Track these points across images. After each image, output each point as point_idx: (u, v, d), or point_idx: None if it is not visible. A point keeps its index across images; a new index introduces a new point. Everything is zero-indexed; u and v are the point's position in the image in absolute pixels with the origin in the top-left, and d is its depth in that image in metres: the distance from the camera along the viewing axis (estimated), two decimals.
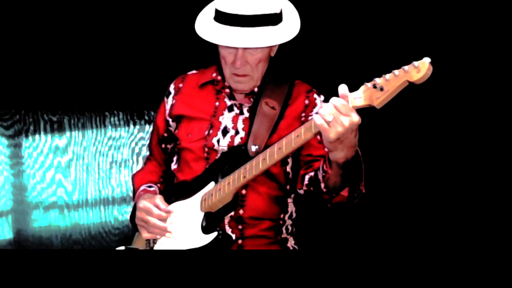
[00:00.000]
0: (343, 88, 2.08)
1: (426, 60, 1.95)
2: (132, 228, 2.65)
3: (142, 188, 2.66)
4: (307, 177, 2.44)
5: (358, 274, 2.10)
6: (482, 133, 3.37)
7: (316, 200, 2.43)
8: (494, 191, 3.37)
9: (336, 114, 2.05)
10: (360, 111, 2.07)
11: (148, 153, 2.80)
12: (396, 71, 1.99)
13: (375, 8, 3.41)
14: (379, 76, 2.03)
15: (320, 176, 2.32)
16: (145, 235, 2.52)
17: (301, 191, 2.49)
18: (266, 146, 2.42)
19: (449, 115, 3.27)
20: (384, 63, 3.34)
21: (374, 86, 2.02)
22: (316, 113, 2.46)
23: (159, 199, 2.49)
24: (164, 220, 2.48)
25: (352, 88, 2.10)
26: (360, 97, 2.05)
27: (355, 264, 2.13)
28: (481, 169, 3.39)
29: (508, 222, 3.28)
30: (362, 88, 2.05)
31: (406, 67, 1.97)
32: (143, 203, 2.50)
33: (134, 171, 2.85)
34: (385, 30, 3.43)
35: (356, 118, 2.06)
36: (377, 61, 3.43)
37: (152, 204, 2.48)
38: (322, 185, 2.33)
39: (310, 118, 2.50)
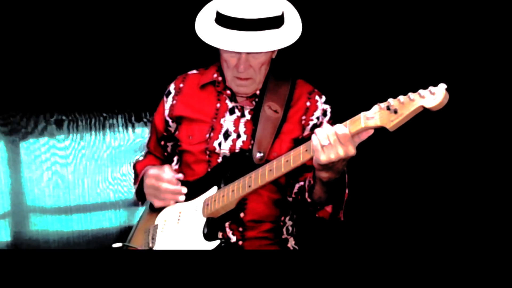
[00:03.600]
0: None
1: (442, 87, 1.89)
2: (137, 201, 2.65)
3: (147, 167, 2.64)
4: (296, 185, 2.46)
5: (358, 274, 2.10)
6: (479, 135, 3.37)
7: (302, 209, 2.45)
8: (492, 193, 3.37)
9: (335, 141, 2.05)
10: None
11: (146, 150, 2.81)
12: (411, 95, 1.93)
13: (377, 7, 3.41)
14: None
15: (306, 186, 2.36)
16: (157, 203, 2.51)
17: (290, 199, 2.51)
18: (270, 151, 2.44)
19: (448, 116, 3.27)
20: (386, 63, 3.40)
21: (388, 108, 1.96)
22: (321, 123, 2.50)
23: (167, 167, 2.48)
24: (175, 184, 2.46)
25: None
26: (373, 117, 2.00)
27: (355, 264, 2.13)
28: (479, 172, 3.39)
29: (508, 222, 3.28)
30: (376, 108, 2.00)
31: (422, 92, 1.91)
32: (152, 171, 2.49)
33: (135, 159, 2.83)
34: (386, 30, 3.43)
35: (352, 151, 2.06)
36: (378, 61, 3.44)
37: (162, 170, 2.47)
38: (306, 195, 2.36)
39: (310, 122, 2.52)
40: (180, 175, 2.48)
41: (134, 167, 2.76)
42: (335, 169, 2.13)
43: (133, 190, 2.69)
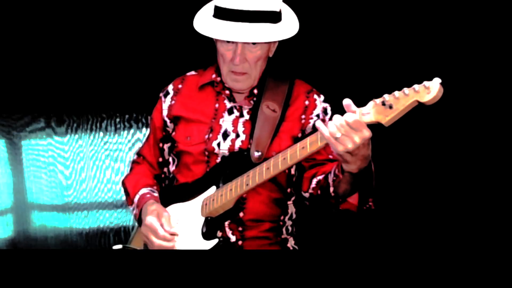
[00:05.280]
0: (349, 104, 2.07)
1: (437, 81, 1.92)
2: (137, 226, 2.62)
3: (145, 190, 2.59)
4: (314, 180, 2.44)
5: (358, 274, 2.09)
6: (474, 129, 3.37)
7: (321, 204, 2.43)
8: (489, 188, 3.36)
9: (347, 131, 2.04)
10: None
11: (135, 157, 2.75)
12: (406, 90, 1.96)
13: (373, 6, 3.41)
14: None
15: (330, 180, 2.32)
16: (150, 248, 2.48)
17: (306, 194, 2.49)
18: (268, 150, 2.44)
19: (444, 110, 3.27)
20: (384, 63, 3.40)
21: (383, 103, 1.99)
22: (323, 120, 2.48)
23: (165, 218, 2.43)
24: (169, 240, 2.41)
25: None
26: (369, 113, 2.02)
27: (355, 264, 2.13)
28: (474, 166, 3.38)
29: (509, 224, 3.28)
30: (371, 104, 2.02)
31: (416, 87, 1.94)
32: (149, 220, 2.43)
33: (123, 176, 2.77)
34: (383, 29, 3.43)
35: (367, 133, 2.05)
36: (376, 60, 3.43)
37: (159, 223, 2.42)
38: (331, 189, 2.32)
39: (310, 121, 2.51)
40: (176, 231, 2.43)
41: (123, 184, 2.70)
42: (361, 156, 2.11)
43: (132, 212, 2.63)
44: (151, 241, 2.43)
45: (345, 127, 2.04)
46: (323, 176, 2.39)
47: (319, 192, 2.40)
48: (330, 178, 2.32)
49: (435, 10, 3.33)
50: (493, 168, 3.35)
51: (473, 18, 3.32)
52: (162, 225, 2.41)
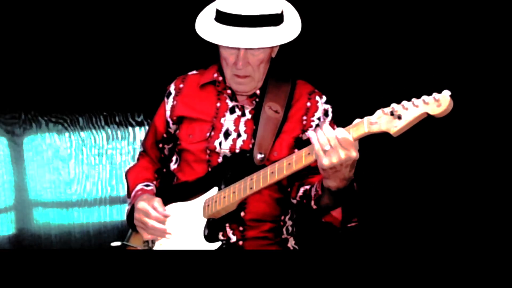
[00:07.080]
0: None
1: (447, 93, 1.88)
2: (129, 227, 2.64)
3: (139, 187, 2.64)
4: (302, 189, 2.45)
5: (358, 274, 2.09)
6: (483, 141, 3.36)
7: (306, 212, 2.44)
8: (495, 199, 3.36)
9: (336, 145, 2.04)
10: None
11: (141, 149, 2.79)
12: (415, 101, 1.92)
13: (377, 7, 3.40)
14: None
15: (312, 193, 2.35)
16: (146, 236, 2.50)
17: (294, 201, 2.50)
18: (271, 151, 2.44)
19: (452, 123, 3.27)
20: (385, 64, 3.39)
21: (392, 113, 1.95)
22: (317, 126, 2.48)
23: (157, 202, 2.46)
24: (162, 222, 2.45)
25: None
26: (376, 122, 1.99)
27: (355, 264, 2.13)
28: (483, 177, 3.38)
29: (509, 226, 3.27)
30: (379, 113, 1.99)
31: (426, 98, 1.90)
32: (141, 204, 2.47)
33: (127, 167, 2.81)
34: (386, 31, 3.43)
35: (353, 154, 2.05)
36: (378, 61, 3.43)
37: (150, 206, 2.45)
38: (312, 202, 2.35)
39: (312, 123, 2.51)
40: (168, 213, 2.46)
41: (126, 176, 2.74)
42: (341, 175, 2.11)
43: (127, 207, 2.66)
44: (144, 222, 2.45)
45: (334, 141, 2.04)
46: (309, 186, 2.40)
47: (304, 201, 2.42)
48: (312, 192, 2.34)
49: (442, 14, 3.33)
50: (500, 181, 3.36)
51: (485, 29, 3.31)
52: (154, 208, 2.44)
